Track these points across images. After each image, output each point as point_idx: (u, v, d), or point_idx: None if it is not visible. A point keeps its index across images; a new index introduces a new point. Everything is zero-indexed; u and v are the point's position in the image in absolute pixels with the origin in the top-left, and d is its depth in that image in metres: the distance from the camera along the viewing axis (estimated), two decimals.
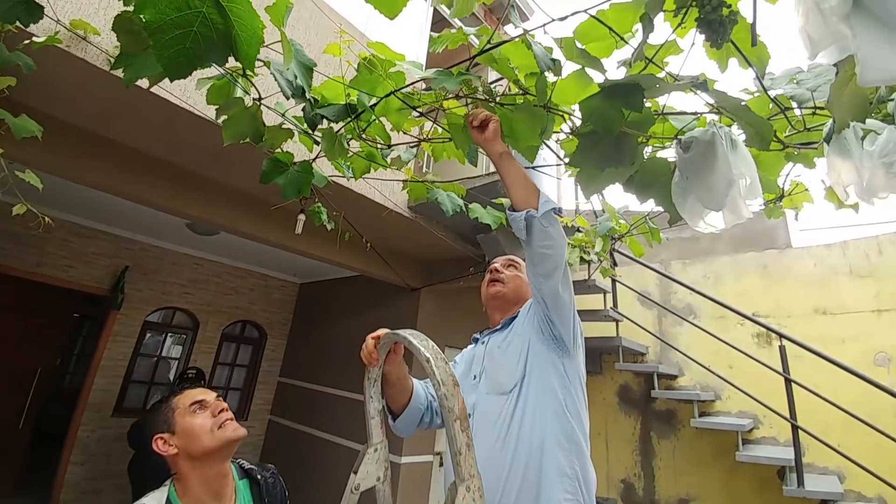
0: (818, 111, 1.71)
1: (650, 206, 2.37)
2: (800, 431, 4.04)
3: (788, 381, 4.18)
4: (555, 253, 1.57)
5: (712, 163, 1.53)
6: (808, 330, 5.03)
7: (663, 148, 1.91)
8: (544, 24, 1.38)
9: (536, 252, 1.57)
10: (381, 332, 1.45)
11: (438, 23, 5.83)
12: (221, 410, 1.57)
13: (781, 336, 4.34)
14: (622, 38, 1.44)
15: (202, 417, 1.53)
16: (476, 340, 1.98)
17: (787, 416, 4.11)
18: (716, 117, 1.73)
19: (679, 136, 1.66)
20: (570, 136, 1.88)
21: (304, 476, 6.12)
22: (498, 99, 1.74)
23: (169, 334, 6.91)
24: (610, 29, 1.40)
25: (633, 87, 1.37)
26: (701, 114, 1.73)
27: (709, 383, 5.42)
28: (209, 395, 1.61)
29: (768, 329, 4.54)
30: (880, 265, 5.05)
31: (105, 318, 6.06)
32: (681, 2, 1.34)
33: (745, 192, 1.59)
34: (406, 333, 1.21)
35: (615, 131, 1.47)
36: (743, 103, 1.42)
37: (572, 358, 1.68)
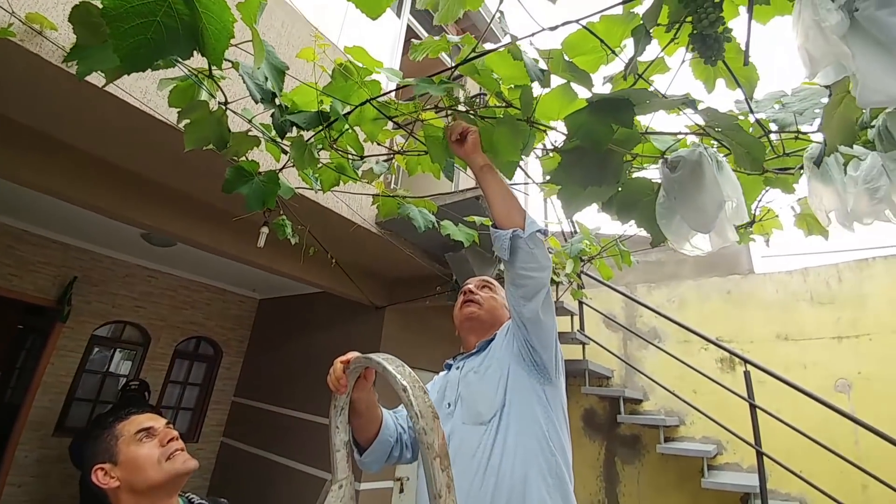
0: (800, 136, 1.68)
1: (622, 228, 2.32)
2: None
3: (753, 407, 4.19)
4: (539, 276, 1.49)
5: (700, 183, 1.48)
6: (770, 355, 5.07)
7: (641, 168, 1.87)
8: (533, 34, 1.31)
9: (519, 274, 1.48)
10: (351, 355, 1.32)
11: (412, 41, 5.79)
12: (171, 439, 1.43)
13: (746, 361, 4.35)
14: (613, 52, 1.38)
15: (149, 447, 1.38)
16: (449, 367, 1.86)
17: (752, 442, 4.10)
18: (696, 139, 1.69)
19: (665, 156, 1.61)
20: (551, 153, 1.81)
21: (257, 502, 5.88)
22: (479, 111, 1.66)
23: (118, 350, 6.56)
24: (601, 41, 1.33)
25: (623, 102, 1.31)
26: (684, 134, 1.68)
27: (673, 408, 5.42)
28: (158, 422, 1.46)
29: (733, 354, 4.55)
30: (840, 293, 5.14)
31: (49, 330, 5.73)
32: (675, 16, 1.28)
33: (731, 214, 1.54)
34: (380, 358, 1.10)
35: (603, 147, 1.40)
36: (735, 122, 1.37)
37: (554, 385, 1.59)
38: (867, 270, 5.11)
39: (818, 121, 1.52)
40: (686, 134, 1.68)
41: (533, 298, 1.49)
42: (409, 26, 5.68)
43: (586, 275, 4.87)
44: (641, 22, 1.33)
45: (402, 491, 5.27)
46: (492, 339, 1.76)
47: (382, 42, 5.11)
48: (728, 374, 5.23)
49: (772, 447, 4.18)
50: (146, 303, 6.62)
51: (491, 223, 1.56)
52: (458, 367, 1.78)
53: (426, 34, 5.92)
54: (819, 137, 1.58)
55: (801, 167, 1.75)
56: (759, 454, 4.04)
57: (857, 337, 4.92)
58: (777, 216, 2.41)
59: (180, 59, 1.45)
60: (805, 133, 1.65)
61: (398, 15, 5.56)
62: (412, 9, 5.80)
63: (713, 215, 1.46)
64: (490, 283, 1.97)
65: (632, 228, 2.89)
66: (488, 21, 6.34)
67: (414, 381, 1.00)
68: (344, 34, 4.39)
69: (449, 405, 1.65)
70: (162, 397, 6.67)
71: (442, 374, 1.88)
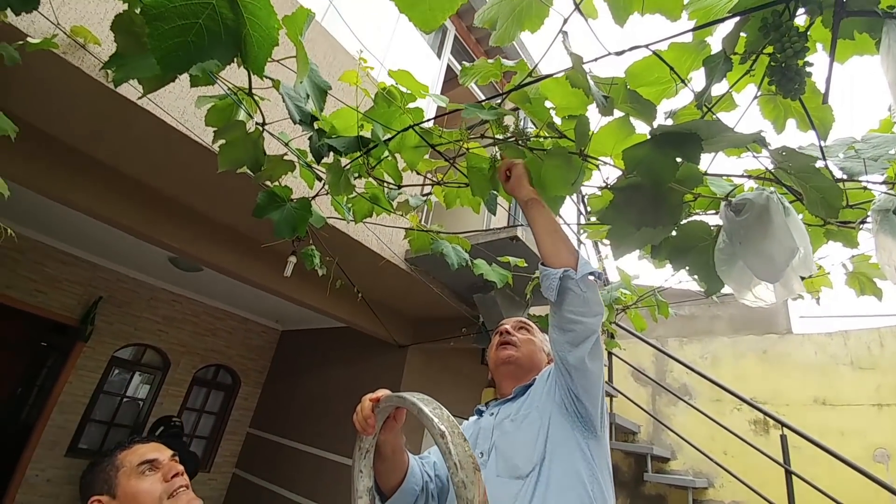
0: (867, 187, 1.56)
1: (662, 279, 2.19)
2: None
3: (789, 473, 3.97)
4: (589, 321, 1.37)
5: (768, 229, 1.36)
6: (807, 420, 4.86)
7: (693, 213, 1.75)
8: (597, 58, 1.22)
9: (567, 318, 1.36)
10: (381, 393, 1.21)
11: (451, 80, 5.81)
12: (176, 475, 1.30)
13: (784, 425, 4.14)
14: (683, 81, 1.28)
15: (151, 481, 1.26)
16: (480, 412, 1.72)
17: None
18: (753, 184, 1.58)
19: (729, 198, 1.49)
20: (601, 191, 1.71)
21: None
22: (529, 142, 1.57)
23: (137, 373, 6.53)
24: (671, 69, 1.24)
25: (691, 136, 1.20)
26: (743, 177, 1.57)
27: (701, 469, 5.19)
28: (163, 454, 1.34)
29: (771, 417, 4.33)
30: (882, 358, 4.95)
31: (70, 349, 5.73)
32: (752, 45, 1.18)
33: (797, 265, 1.42)
34: (414, 398, 0.99)
35: (665, 184, 1.29)
36: (812, 164, 1.26)
37: (599, 440, 1.43)
38: None
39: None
40: (745, 177, 1.56)
41: (580, 345, 1.37)
42: (448, 66, 5.68)
43: (617, 324, 4.72)
44: (712, 52, 1.24)
45: None
46: (530, 385, 1.62)
47: (422, 80, 5.11)
48: (761, 437, 5.01)
49: None
50: (169, 327, 6.60)
51: (541, 261, 1.45)
52: (491, 413, 1.63)
53: None
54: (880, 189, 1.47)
55: (863, 221, 1.64)
56: None
57: None
58: (828, 273, 2.29)
59: (221, 77, 1.40)
60: (878, 183, 1.54)
61: (439, 56, 5.58)
62: (452, 49, 5.82)
63: (783, 264, 1.34)
64: (527, 324, 1.85)
65: (671, 280, 2.77)
66: (521, 56, 6.34)
67: (453, 426, 0.89)
68: (384, 71, 4.39)
69: (482, 454, 1.50)
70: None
71: (472, 419, 1.74)
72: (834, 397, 5.02)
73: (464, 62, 1.59)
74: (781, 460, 4.04)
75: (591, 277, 1.38)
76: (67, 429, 5.64)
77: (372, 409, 1.20)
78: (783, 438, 4.11)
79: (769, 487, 4.19)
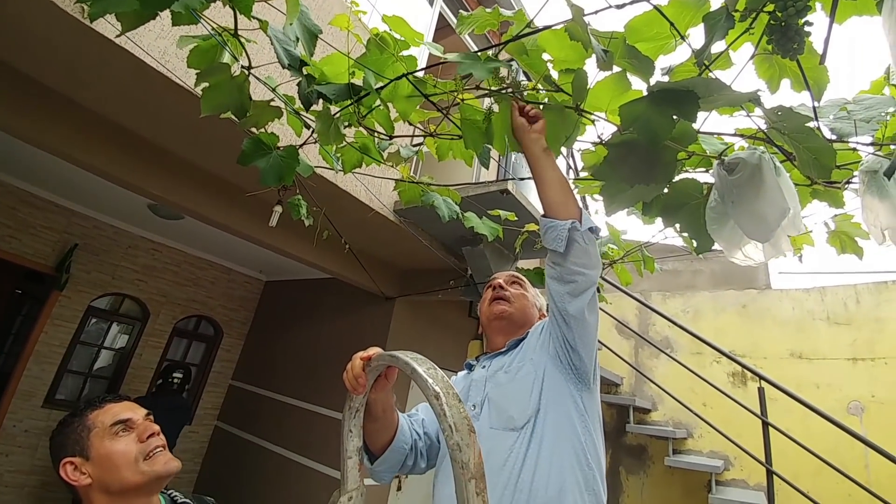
0: (857, 147, 1.56)
1: (649, 234, 2.19)
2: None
3: (766, 425, 4.08)
4: (590, 273, 1.39)
5: (760, 189, 1.37)
6: (783, 373, 5.00)
7: (685, 171, 1.75)
8: (597, 11, 1.19)
9: (571, 269, 1.38)
10: (373, 351, 1.17)
11: (443, 28, 5.65)
12: (151, 435, 1.26)
13: (761, 378, 4.24)
14: (682, 37, 1.26)
15: (126, 442, 1.21)
16: (470, 366, 1.73)
17: (762, 459, 4.00)
18: (744, 143, 1.57)
19: (722, 157, 1.49)
20: (595, 147, 1.70)
21: (248, 491, 5.76)
22: (525, 95, 1.55)
23: (115, 323, 6.37)
24: (671, 24, 1.22)
25: (688, 93, 1.19)
26: (733, 136, 1.57)
27: (681, 420, 5.34)
28: (137, 413, 1.28)
29: (750, 370, 4.42)
30: (857, 314, 5.07)
31: (46, 298, 5.56)
32: (753, 2, 1.16)
33: (787, 224, 1.43)
34: (407, 357, 0.95)
35: (661, 141, 1.28)
36: (806, 125, 1.25)
37: (591, 392, 1.46)
38: (886, 294, 5.04)
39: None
40: (737, 136, 1.56)
41: (580, 295, 1.39)
42: (441, 15, 5.52)
43: (604, 279, 4.77)
44: (712, 8, 1.22)
45: (399, 489, 5.17)
46: (522, 338, 1.64)
47: (413, 27, 4.98)
48: (739, 389, 5.15)
49: (779, 466, 4.10)
50: (148, 277, 6.45)
51: (543, 214, 1.45)
52: (483, 366, 1.64)
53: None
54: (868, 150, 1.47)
55: (848, 181, 1.65)
56: (770, 473, 3.93)
57: (872, 360, 4.84)
58: (810, 232, 2.31)
59: (205, 16, 1.33)
60: (868, 144, 1.54)
61: (430, 3, 5.42)
62: None
63: (774, 224, 1.35)
64: (519, 279, 1.85)
65: (658, 236, 2.78)
66: (516, 7, 6.16)
67: (448, 387, 0.86)
68: (374, 18, 4.26)
69: (474, 406, 1.52)
70: (156, 376, 6.50)
71: (462, 373, 1.75)
72: (810, 351, 5.15)
73: (461, 11, 1.54)
74: (758, 412, 4.13)
75: (591, 232, 1.40)
76: (44, 379, 5.52)
77: (363, 368, 1.17)
78: (760, 391, 4.21)
79: (746, 438, 4.33)
